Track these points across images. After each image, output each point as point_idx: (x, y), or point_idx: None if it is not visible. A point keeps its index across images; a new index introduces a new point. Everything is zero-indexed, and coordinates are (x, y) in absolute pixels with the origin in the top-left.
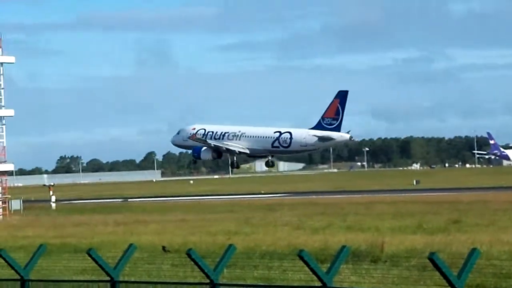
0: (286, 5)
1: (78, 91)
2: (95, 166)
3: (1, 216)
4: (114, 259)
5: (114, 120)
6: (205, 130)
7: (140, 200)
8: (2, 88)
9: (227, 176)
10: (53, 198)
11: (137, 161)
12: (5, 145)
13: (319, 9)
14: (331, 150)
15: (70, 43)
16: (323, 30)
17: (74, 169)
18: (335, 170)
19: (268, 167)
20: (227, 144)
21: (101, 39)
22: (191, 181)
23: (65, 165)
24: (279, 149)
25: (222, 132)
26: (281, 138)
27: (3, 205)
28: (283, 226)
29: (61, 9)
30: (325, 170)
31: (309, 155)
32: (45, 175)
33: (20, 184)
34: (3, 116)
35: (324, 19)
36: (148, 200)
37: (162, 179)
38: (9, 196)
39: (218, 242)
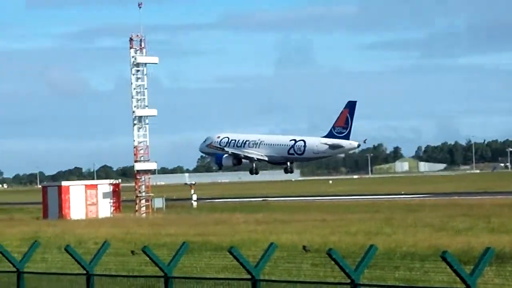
0: (429, 3)
1: (219, 91)
2: None
3: (145, 214)
4: (254, 257)
5: (254, 119)
6: (228, 138)
7: (279, 200)
8: (146, 88)
9: (367, 176)
10: (194, 197)
11: None
12: (148, 144)
13: (464, 7)
14: (473, 150)
15: (212, 43)
16: (467, 28)
17: (214, 168)
18: (477, 171)
19: (286, 173)
20: (246, 152)
21: (242, 39)
22: (330, 181)
23: (206, 164)
24: (294, 156)
25: (243, 140)
26: (296, 146)
27: (147, 203)
28: (424, 227)
29: (204, 9)
30: (467, 171)
31: (451, 156)
32: (186, 174)
33: (163, 183)
34: (147, 116)
35: (469, 17)
36: (288, 200)
37: (301, 178)
38: (152, 194)
39: (358, 242)
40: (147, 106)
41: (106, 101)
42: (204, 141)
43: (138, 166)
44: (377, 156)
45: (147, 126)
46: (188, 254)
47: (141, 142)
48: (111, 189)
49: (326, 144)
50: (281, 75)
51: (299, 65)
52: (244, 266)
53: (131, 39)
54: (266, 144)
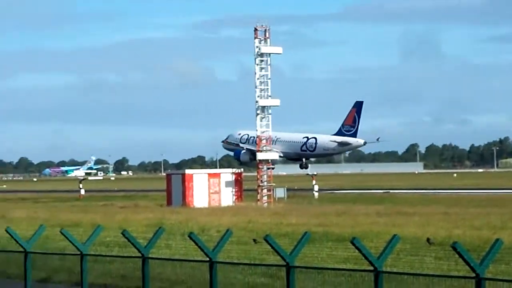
0: None
1: (342, 82)
2: (356, 156)
3: (266, 204)
4: (376, 249)
5: (377, 111)
6: (248, 135)
7: (402, 192)
8: (269, 79)
9: (492, 170)
10: (316, 187)
11: (400, 153)
12: (271, 134)
13: None
14: None
15: (337, 34)
16: None
17: (336, 159)
18: None
19: (301, 168)
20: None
21: (367, 30)
22: (455, 174)
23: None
24: (306, 153)
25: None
26: (308, 143)
27: (268, 193)
28: None
29: (329, 0)
30: None
31: None
32: (309, 165)
33: (284, 173)
34: (270, 106)
35: None
36: (410, 192)
37: (425, 171)
38: (274, 184)
39: (483, 236)
40: (270, 96)
41: (230, 91)
42: (226, 138)
43: (261, 156)
44: (503, 150)
45: (270, 116)
46: (310, 244)
47: (263, 132)
48: (234, 178)
49: (335, 141)
50: (406, 66)
51: (425, 56)
52: (367, 258)
53: (255, 29)
54: (281, 141)
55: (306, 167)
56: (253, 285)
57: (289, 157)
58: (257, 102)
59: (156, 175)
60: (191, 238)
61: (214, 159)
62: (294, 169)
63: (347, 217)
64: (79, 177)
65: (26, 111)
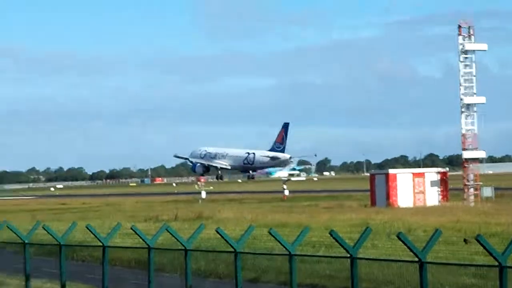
0: None
1: None
2: None
3: (473, 203)
4: None
5: None
6: (206, 151)
7: None
8: (474, 76)
9: None
10: None
11: None
12: (476, 132)
13: None
14: None
15: None
16: None
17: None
18: None
19: (249, 179)
20: (212, 162)
21: None
22: None
23: None
24: (247, 166)
25: (215, 153)
26: (248, 157)
27: (475, 192)
28: None
29: None
30: None
31: None
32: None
33: (490, 172)
34: (475, 104)
35: None
36: None
37: None
38: (481, 183)
39: None
40: (475, 93)
41: (433, 89)
42: (191, 154)
43: (466, 154)
44: None
45: (475, 114)
46: None
47: (468, 130)
48: (439, 178)
49: (268, 156)
50: None
51: None
52: None
53: (459, 26)
54: (229, 156)
55: (253, 178)
56: (463, 285)
57: (235, 169)
58: (461, 99)
59: (358, 175)
60: (399, 238)
61: (418, 159)
62: (500, 167)
63: None
64: (282, 178)
65: (228, 114)
